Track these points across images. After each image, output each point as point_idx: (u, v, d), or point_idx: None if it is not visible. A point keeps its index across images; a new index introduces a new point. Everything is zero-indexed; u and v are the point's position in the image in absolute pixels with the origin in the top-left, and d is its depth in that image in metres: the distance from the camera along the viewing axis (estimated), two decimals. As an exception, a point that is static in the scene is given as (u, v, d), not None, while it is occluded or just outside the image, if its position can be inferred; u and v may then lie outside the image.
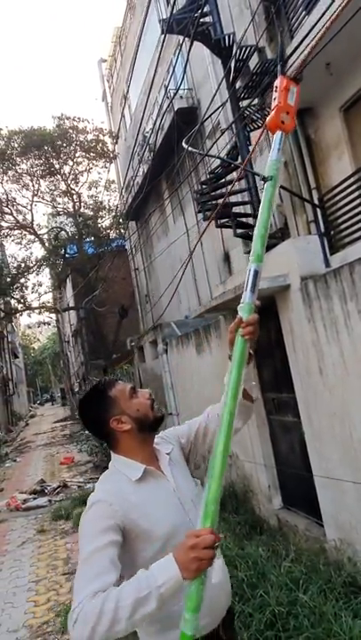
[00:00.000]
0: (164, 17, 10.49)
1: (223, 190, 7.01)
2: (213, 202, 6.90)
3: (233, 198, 6.92)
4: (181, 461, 1.63)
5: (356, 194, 5.20)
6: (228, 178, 7.09)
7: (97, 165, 16.96)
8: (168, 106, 10.52)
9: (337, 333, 3.45)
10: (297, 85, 1.53)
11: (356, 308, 3.24)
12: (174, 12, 6.81)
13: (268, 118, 1.50)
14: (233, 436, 1.34)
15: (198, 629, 1.15)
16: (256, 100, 6.74)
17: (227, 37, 6.54)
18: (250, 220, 6.80)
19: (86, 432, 13.52)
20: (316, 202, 6.24)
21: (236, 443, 5.38)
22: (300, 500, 4.45)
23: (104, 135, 16.71)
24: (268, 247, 5.33)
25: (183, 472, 1.60)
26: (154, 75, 9.76)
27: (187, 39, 8.21)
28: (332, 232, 5.64)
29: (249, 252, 5.27)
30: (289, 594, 2.91)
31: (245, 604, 2.91)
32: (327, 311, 3.52)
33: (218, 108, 7.62)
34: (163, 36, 8.61)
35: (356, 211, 5.16)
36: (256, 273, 1.40)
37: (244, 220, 6.78)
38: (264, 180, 1.46)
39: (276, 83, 1.50)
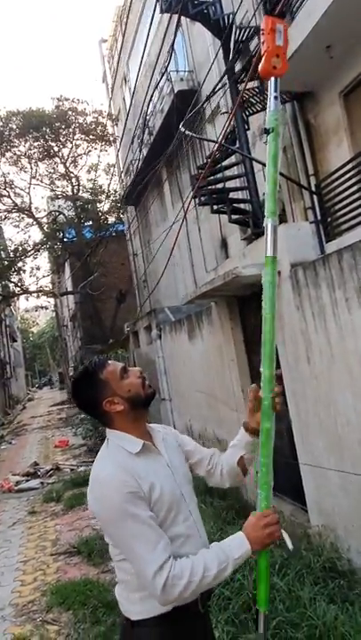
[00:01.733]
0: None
1: (220, 175, 6.92)
2: (210, 187, 6.82)
3: (230, 184, 6.84)
4: (175, 444, 1.66)
5: (354, 180, 5.12)
6: (226, 163, 6.99)
7: (96, 148, 16.77)
8: (168, 88, 10.36)
9: (325, 322, 3.43)
10: (283, 22, 1.47)
11: (344, 296, 3.21)
12: (173, -10, 6.65)
13: (259, 66, 1.47)
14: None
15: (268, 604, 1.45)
16: (256, 84, 6.62)
17: (226, 18, 6.39)
18: (246, 207, 6.73)
19: (81, 416, 13.61)
20: (313, 188, 6.16)
21: (225, 428, 5.40)
22: (286, 487, 4.47)
23: (104, 117, 16.48)
24: (262, 234, 5.28)
25: (176, 451, 1.64)
26: (157, 57, 9.58)
27: (187, 20, 8.05)
28: (328, 219, 5.58)
29: (246, 239, 5.27)
30: (267, 578, 2.93)
31: (225, 587, 2.94)
32: (316, 299, 3.49)
33: (216, 91, 7.48)
34: (162, 15, 8.44)
35: (353, 197, 5.09)
36: (274, 228, 1.48)
37: (240, 206, 6.71)
38: (265, 132, 1.45)
39: (263, 25, 1.45)
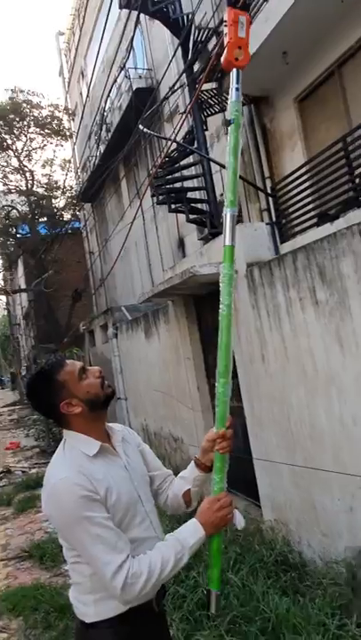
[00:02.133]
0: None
1: (178, 174, 6.94)
2: (168, 186, 6.81)
3: (188, 183, 6.87)
4: (134, 445, 1.64)
5: (307, 184, 5.27)
6: (184, 162, 7.02)
7: (52, 143, 16.34)
8: (126, 85, 10.27)
9: (279, 321, 3.50)
10: (246, 14, 1.49)
11: (298, 295, 3.30)
12: (133, -14, 6.59)
13: (221, 57, 1.48)
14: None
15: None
16: (214, 85, 6.69)
17: (185, 17, 6.41)
18: (204, 207, 6.77)
19: (34, 416, 13.25)
20: (268, 190, 6.29)
21: (182, 428, 5.42)
22: (240, 483, 4.53)
23: (60, 111, 16.10)
24: (218, 234, 5.33)
25: (134, 452, 1.61)
26: (115, 54, 9.47)
27: (146, 17, 8.01)
28: (283, 221, 5.71)
29: (203, 239, 5.28)
30: (221, 574, 2.96)
31: (179, 585, 2.94)
32: (271, 298, 3.56)
33: (174, 90, 7.49)
34: (121, 11, 8.36)
35: (306, 201, 5.23)
36: (232, 217, 1.50)
37: (198, 205, 6.75)
38: (227, 123, 1.49)
39: (225, 16, 1.47)
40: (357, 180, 4.25)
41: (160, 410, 5.98)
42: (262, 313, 3.69)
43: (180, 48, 6.81)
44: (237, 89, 1.48)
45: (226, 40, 1.45)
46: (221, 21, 1.40)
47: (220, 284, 1.52)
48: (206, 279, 3.92)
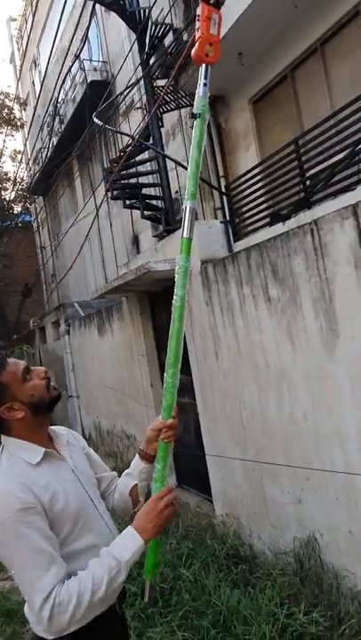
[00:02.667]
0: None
1: (133, 170, 6.87)
2: (123, 181, 6.73)
3: (143, 180, 6.81)
4: (79, 447, 1.59)
5: (260, 185, 5.37)
6: (139, 158, 6.96)
7: (2, 132, 15.75)
8: (81, 77, 10.06)
9: (233, 317, 3.54)
10: (218, 12, 1.51)
11: (252, 292, 3.35)
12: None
13: (192, 51, 1.48)
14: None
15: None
16: (170, 81, 6.67)
17: (142, 11, 6.35)
18: (159, 203, 6.75)
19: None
20: (223, 189, 6.35)
21: (134, 425, 5.38)
22: (193, 479, 4.57)
23: (11, 100, 15.54)
24: (173, 231, 5.32)
25: (80, 454, 1.56)
26: (69, 44, 9.23)
27: (102, 8, 7.87)
28: (236, 220, 5.79)
29: (158, 236, 5.24)
30: (174, 570, 2.97)
31: (131, 583, 2.91)
32: (224, 295, 3.60)
33: (130, 86, 7.42)
34: (76, 0, 8.17)
35: (259, 201, 5.33)
36: (192, 210, 1.48)
37: (153, 202, 6.71)
38: (193, 116, 1.48)
39: (198, 11, 1.47)
40: (308, 182, 4.37)
41: (113, 407, 5.91)
42: (216, 310, 3.72)
43: (135, 40, 6.74)
44: (205, 84, 1.49)
45: (197, 35, 1.45)
46: (195, 18, 1.39)
47: (176, 276, 1.51)
48: (161, 275, 3.90)
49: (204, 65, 1.48)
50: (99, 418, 6.46)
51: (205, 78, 1.50)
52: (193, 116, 1.49)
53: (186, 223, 1.51)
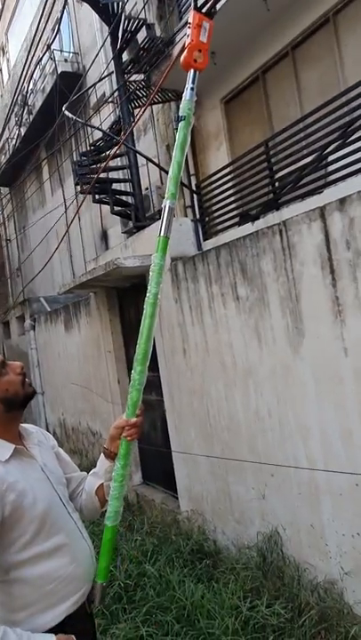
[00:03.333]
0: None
1: (103, 165, 6.79)
2: (92, 175, 6.65)
3: (113, 175, 6.75)
4: (48, 446, 1.57)
5: (230, 184, 5.42)
6: (109, 152, 6.89)
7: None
8: (51, 67, 9.86)
9: (201, 315, 3.57)
10: (210, 21, 1.53)
11: (220, 291, 3.38)
12: None
13: (181, 56, 1.52)
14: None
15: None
16: (142, 76, 6.63)
17: (116, 4, 6.28)
18: (129, 199, 6.70)
19: None
20: (193, 188, 6.38)
21: (100, 422, 5.34)
22: (158, 475, 4.58)
23: (-23, 87, 15.04)
24: (143, 227, 5.31)
25: (49, 453, 1.54)
26: (40, 31, 9.01)
27: (74, -2, 7.74)
28: (206, 218, 5.82)
29: (127, 232, 5.20)
30: (138, 566, 2.97)
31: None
32: (194, 293, 3.62)
33: (102, 79, 7.33)
34: (48, -12, 7.97)
35: (229, 200, 5.38)
36: (170, 209, 1.51)
37: (123, 198, 6.66)
38: (178, 119, 1.51)
39: (190, 19, 1.50)
40: (277, 184, 4.44)
41: (79, 404, 5.84)
42: (185, 307, 3.73)
43: (108, 33, 6.66)
44: (192, 89, 1.53)
45: (188, 41, 1.48)
46: (186, 25, 1.42)
47: (151, 273, 1.52)
48: (130, 272, 3.89)
49: (192, 70, 1.51)
50: (64, 415, 6.37)
51: (192, 83, 1.54)
52: (178, 119, 1.52)
53: (164, 222, 1.53)
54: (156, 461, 4.59)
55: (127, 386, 4.71)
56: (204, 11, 1.60)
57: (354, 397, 2.60)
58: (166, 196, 1.53)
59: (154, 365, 4.25)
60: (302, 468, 2.88)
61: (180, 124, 1.52)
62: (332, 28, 4.97)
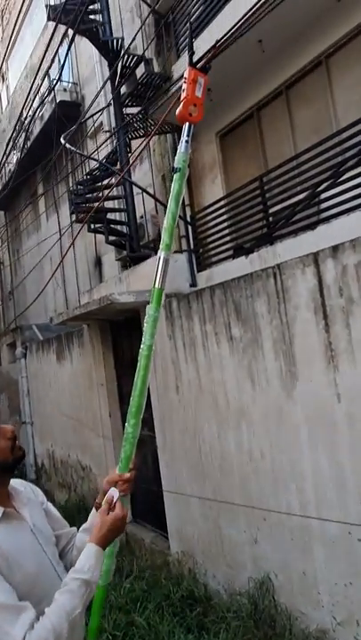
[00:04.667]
0: (53, 1, 10.00)
1: (99, 194, 6.86)
2: (88, 204, 6.71)
3: (108, 204, 6.81)
4: (37, 503, 1.53)
5: (225, 217, 5.48)
6: (105, 182, 6.97)
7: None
8: (50, 95, 10.03)
9: (195, 353, 3.55)
10: (204, 76, 1.58)
11: (214, 330, 3.38)
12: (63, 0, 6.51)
13: (177, 110, 1.56)
14: None
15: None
16: (139, 109, 6.76)
17: (115, 41, 6.44)
18: (124, 229, 6.75)
19: None
20: (188, 219, 6.44)
21: (90, 456, 5.24)
22: (149, 514, 4.48)
23: (-24, 112, 15.25)
24: (140, 258, 5.34)
25: (38, 511, 1.50)
26: (40, 62, 9.21)
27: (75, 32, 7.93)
28: (200, 250, 5.87)
29: (121, 260, 5.22)
30: (127, 615, 2.87)
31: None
32: (187, 330, 3.61)
33: (101, 110, 7.47)
34: (49, 22, 8.18)
35: (223, 233, 5.43)
36: (166, 261, 1.51)
37: (117, 227, 6.71)
38: (173, 170, 1.53)
39: (185, 74, 1.54)
40: (271, 219, 4.51)
41: (68, 436, 5.75)
42: (178, 344, 3.72)
43: (107, 67, 6.82)
44: (187, 141, 1.55)
45: (183, 95, 1.52)
46: (182, 79, 1.50)
47: (145, 324, 1.51)
48: (125, 306, 3.88)
49: (187, 123, 1.54)
50: (53, 446, 6.26)
51: (188, 136, 1.57)
52: (173, 170, 1.55)
53: (159, 273, 1.53)
54: (146, 499, 4.49)
55: (119, 419, 4.68)
56: (198, 67, 1.63)
57: (347, 444, 2.58)
58: (161, 247, 1.54)
59: (146, 401, 4.21)
60: (294, 514, 2.83)
61: (175, 176, 1.55)
62: (324, 71, 5.11)
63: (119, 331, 4.72)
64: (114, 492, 1.40)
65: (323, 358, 2.65)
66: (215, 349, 3.37)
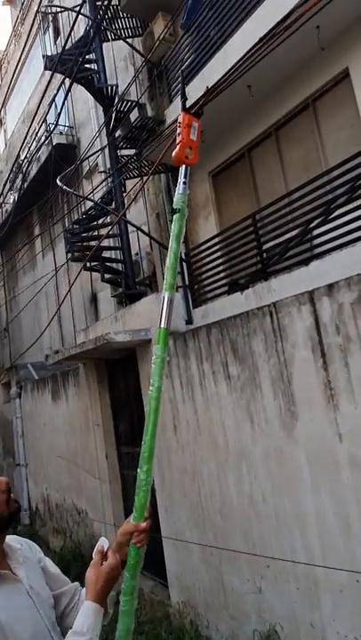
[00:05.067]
0: (50, 52, 10.44)
1: (94, 233, 6.95)
2: (84, 243, 6.78)
3: (103, 242, 6.88)
4: (34, 561, 1.44)
5: (219, 254, 5.54)
6: (101, 221, 7.07)
7: None
8: (47, 139, 10.32)
9: (192, 392, 3.50)
10: (198, 121, 1.63)
11: (212, 368, 3.34)
12: (60, 50, 6.79)
13: (173, 153, 1.60)
14: None
15: None
16: (134, 151, 6.94)
17: (110, 88, 6.68)
18: (119, 266, 6.80)
19: None
20: (183, 255, 6.50)
21: (87, 499, 5.08)
22: (147, 561, 4.28)
23: (-26, 155, 15.64)
24: (136, 295, 5.34)
25: (36, 570, 1.41)
26: (37, 107, 9.52)
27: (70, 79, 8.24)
28: (195, 286, 5.89)
29: (117, 296, 5.22)
30: None
31: None
32: (184, 369, 3.57)
33: (96, 152, 7.66)
34: (46, 70, 8.51)
35: (218, 269, 5.47)
36: (170, 301, 1.50)
37: (113, 265, 6.76)
38: (172, 211, 1.55)
39: (179, 119, 1.59)
40: (265, 255, 4.55)
41: (64, 479, 5.58)
42: (175, 383, 3.67)
43: (102, 111, 7.05)
44: (185, 183, 1.60)
45: (178, 139, 1.57)
46: (176, 124, 1.58)
47: (152, 365, 1.48)
48: (121, 345, 3.85)
49: (183, 165, 1.59)
50: (48, 490, 6.07)
51: (185, 177, 1.61)
52: (172, 211, 1.57)
53: (163, 314, 1.51)
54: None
55: (116, 461, 4.56)
56: (192, 112, 1.68)
57: (351, 486, 2.50)
58: (164, 287, 1.52)
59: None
60: (299, 562, 2.71)
61: (175, 217, 1.57)
62: (312, 113, 5.30)
63: (115, 369, 4.66)
64: (103, 542, 1.33)
65: (322, 397, 2.61)
66: (213, 388, 3.32)
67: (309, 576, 2.71)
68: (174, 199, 1.59)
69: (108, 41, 7.13)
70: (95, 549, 1.33)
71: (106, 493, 4.60)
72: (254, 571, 3.05)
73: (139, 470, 1.38)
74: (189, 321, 4.83)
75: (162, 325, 1.52)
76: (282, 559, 2.79)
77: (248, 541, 3.08)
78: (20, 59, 11.68)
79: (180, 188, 1.60)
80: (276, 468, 2.90)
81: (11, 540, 1.43)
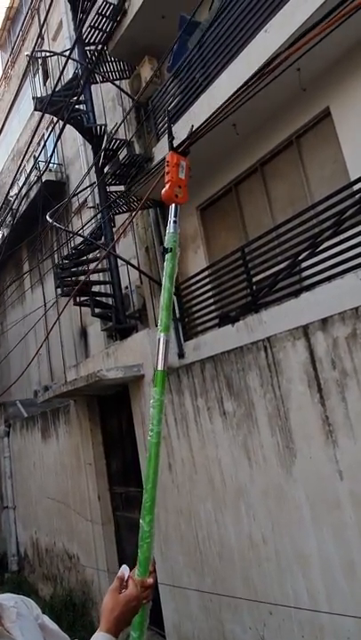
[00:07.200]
0: (39, 94, 10.72)
1: (84, 267, 6.96)
2: (73, 278, 6.78)
3: (93, 277, 6.89)
4: (30, 618, 1.34)
5: (209, 287, 5.56)
6: (90, 256, 7.10)
7: None
8: (38, 179, 10.48)
9: (187, 429, 3.43)
10: (186, 160, 1.64)
11: (206, 404, 3.28)
12: (49, 92, 6.97)
13: (162, 191, 1.60)
14: None
15: None
16: (122, 188, 7.05)
17: (98, 127, 6.84)
18: (109, 301, 6.79)
19: None
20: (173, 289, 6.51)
21: (78, 543, 4.87)
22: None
23: None
24: (127, 330, 5.29)
25: (32, 627, 1.31)
26: (27, 146, 9.69)
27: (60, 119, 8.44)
28: (186, 319, 5.88)
29: (106, 330, 5.16)
30: None
31: None
32: (178, 405, 3.51)
33: (85, 189, 7.77)
34: (36, 111, 8.71)
35: (208, 302, 5.48)
36: (166, 342, 1.48)
37: (102, 299, 6.75)
38: (164, 251, 1.54)
39: (168, 158, 1.60)
40: (254, 287, 4.57)
41: (54, 521, 5.36)
42: (170, 420, 3.60)
43: (90, 149, 7.19)
44: (175, 222, 1.59)
45: (167, 178, 1.57)
46: (164, 163, 1.60)
47: (151, 409, 1.43)
48: (113, 382, 3.78)
49: (173, 204, 1.58)
50: (37, 533, 5.82)
51: (175, 216, 1.60)
52: (164, 251, 1.56)
53: (160, 355, 1.48)
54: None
55: (108, 502, 4.41)
56: (179, 151, 1.70)
57: (353, 524, 2.43)
58: (160, 328, 1.50)
59: (137, 480, 3.99)
60: (303, 608, 2.60)
61: (167, 256, 1.56)
62: (295, 150, 5.45)
63: (107, 405, 4.57)
64: (124, 569, 1.24)
65: (321, 433, 2.57)
66: (208, 425, 3.25)
67: (314, 622, 2.59)
68: (165, 238, 1.59)
69: (97, 83, 7.35)
70: (117, 575, 1.25)
71: (98, 536, 4.42)
72: (256, 618, 2.91)
73: (141, 521, 1.32)
74: (181, 354, 4.79)
75: (159, 367, 1.49)
76: (285, 605, 2.68)
77: (249, 586, 2.96)
78: (11, 100, 11.97)
79: (170, 227, 1.60)
80: (276, 508, 2.82)
81: (2, 598, 1.34)
